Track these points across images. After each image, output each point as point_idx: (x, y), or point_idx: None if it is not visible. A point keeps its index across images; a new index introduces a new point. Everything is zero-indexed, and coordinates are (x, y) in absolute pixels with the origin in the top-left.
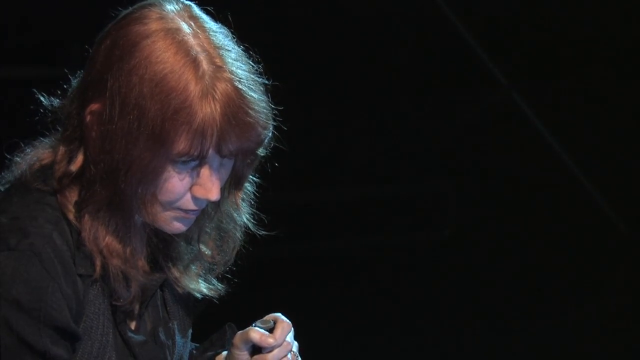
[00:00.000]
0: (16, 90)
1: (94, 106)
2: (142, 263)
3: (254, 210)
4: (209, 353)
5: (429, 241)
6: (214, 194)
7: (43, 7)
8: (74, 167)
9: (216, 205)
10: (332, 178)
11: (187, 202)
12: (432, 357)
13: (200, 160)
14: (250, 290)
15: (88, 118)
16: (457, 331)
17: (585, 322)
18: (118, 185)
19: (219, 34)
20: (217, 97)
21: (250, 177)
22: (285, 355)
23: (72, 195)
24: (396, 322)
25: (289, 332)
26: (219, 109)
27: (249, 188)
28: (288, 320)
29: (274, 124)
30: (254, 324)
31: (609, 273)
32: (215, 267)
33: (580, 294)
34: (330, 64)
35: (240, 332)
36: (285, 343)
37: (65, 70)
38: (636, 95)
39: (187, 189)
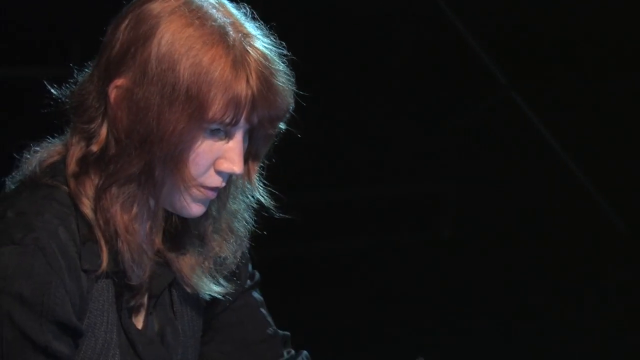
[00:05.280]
0: (15, 90)
1: (119, 81)
2: (157, 241)
3: (267, 189)
4: None
5: (429, 241)
6: (239, 167)
7: (43, 7)
8: (96, 146)
9: (226, 198)
10: (332, 178)
11: (211, 178)
12: (431, 357)
13: (231, 129)
14: None
15: (113, 93)
16: (456, 331)
17: (585, 322)
18: (153, 153)
19: (237, 10)
20: (250, 63)
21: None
22: None
23: (89, 180)
24: (395, 322)
25: None
26: (253, 75)
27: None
28: None
29: (296, 90)
30: None
31: (609, 273)
32: (224, 265)
33: (580, 294)
34: (329, 64)
35: None
36: None
37: (72, 64)
38: (637, 95)
39: (211, 164)
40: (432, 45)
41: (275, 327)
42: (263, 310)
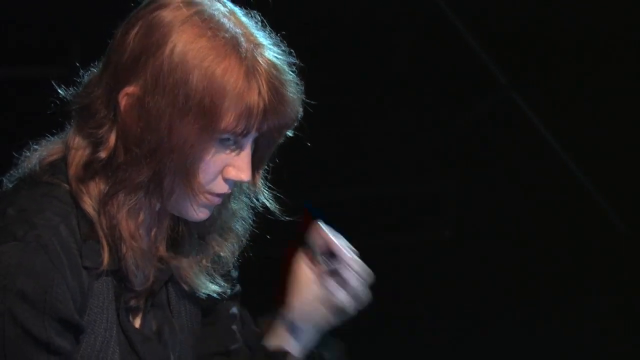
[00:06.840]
0: (15, 90)
1: (130, 89)
2: (162, 249)
3: (270, 190)
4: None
5: (429, 241)
6: (247, 175)
7: (43, 7)
8: (104, 153)
9: (227, 200)
10: (332, 178)
11: (218, 185)
12: (431, 358)
13: (241, 138)
14: (251, 290)
15: (124, 101)
16: (457, 331)
17: (584, 322)
18: (163, 163)
19: (246, 17)
20: (262, 74)
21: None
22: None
23: (93, 183)
24: (395, 322)
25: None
26: (265, 86)
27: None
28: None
29: (303, 98)
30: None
31: (609, 273)
32: (221, 263)
33: (580, 294)
34: (327, 64)
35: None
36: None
37: (72, 64)
38: (637, 94)
39: (220, 171)
40: (432, 45)
41: (241, 343)
42: (234, 327)
